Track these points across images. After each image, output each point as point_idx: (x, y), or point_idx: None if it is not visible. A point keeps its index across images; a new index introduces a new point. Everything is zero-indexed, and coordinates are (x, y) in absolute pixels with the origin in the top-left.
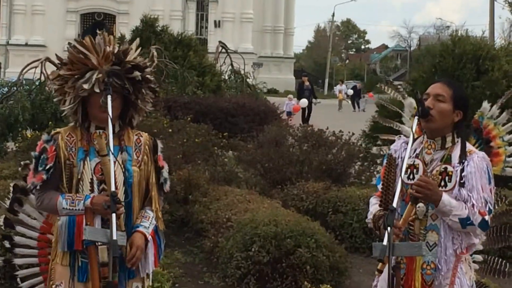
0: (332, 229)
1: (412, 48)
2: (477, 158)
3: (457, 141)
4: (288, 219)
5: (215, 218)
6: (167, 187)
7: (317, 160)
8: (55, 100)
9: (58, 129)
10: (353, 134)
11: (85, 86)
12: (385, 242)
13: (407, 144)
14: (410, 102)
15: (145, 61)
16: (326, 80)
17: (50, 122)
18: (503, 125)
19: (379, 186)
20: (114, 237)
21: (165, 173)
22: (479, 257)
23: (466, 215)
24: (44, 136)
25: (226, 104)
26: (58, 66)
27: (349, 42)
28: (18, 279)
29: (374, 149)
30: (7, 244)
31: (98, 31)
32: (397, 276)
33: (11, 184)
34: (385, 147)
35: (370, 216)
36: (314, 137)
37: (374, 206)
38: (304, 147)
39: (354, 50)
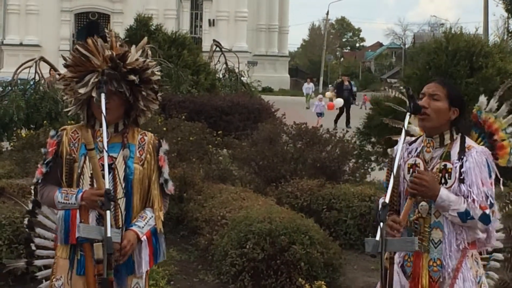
0: (327, 226)
1: (406, 46)
2: (476, 153)
3: (456, 138)
4: (283, 216)
5: (209, 215)
6: (169, 188)
7: (311, 158)
8: (65, 98)
9: (66, 126)
10: (347, 131)
11: (81, 91)
12: (377, 237)
13: (409, 145)
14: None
15: (145, 63)
16: (321, 78)
17: (44, 121)
18: (504, 117)
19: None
20: (109, 234)
21: (165, 173)
22: (499, 256)
23: (465, 209)
24: (51, 132)
25: (221, 103)
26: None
27: (344, 40)
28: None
29: (389, 150)
30: (32, 246)
31: (106, 30)
32: (390, 271)
33: (32, 187)
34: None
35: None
36: (308, 134)
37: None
38: (298, 145)
39: (348, 48)
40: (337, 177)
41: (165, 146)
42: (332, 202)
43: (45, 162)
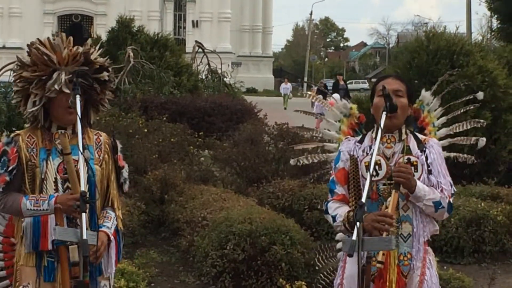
0: (308, 226)
1: (390, 45)
2: (435, 144)
3: (409, 132)
4: (263, 216)
5: (190, 217)
6: (126, 188)
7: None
8: (13, 102)
9: (18, 131)
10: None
11: (56, 87)
12: (354, 237)
13: (360, 143)
14: (344, 103)
15: (106, 61)
16: (305, 79)
17: (26, 124)
18: (435, 111)
19: (337, 190)
20: (85, 237)
21: (125, 173)
22: None
23: (439, 198)
24: (4, 139)
25: (203, 104)
26: (17, 67)
27: (328, 40)
28: None
29: (292, 161)
30: None
31: (53, 33)
32: (367, 272)
33: None
34: (302, 157)
35: (339, 219)
36: (289, 135)
37: (339, 209)
38: (279, 145)
39: (333, 48)
40: (318, 177)
41: (119, 145)
42: (313, 202)
43: (8, 170)
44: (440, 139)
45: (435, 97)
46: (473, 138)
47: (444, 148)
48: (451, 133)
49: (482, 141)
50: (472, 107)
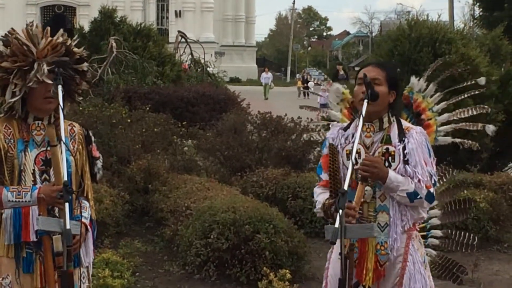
0: (292, 215)
1: (373, 34)
2: (416, 133)
3: (393, 121)
4: (247, 205)
5: (174, 206)
6: (98, 177)
7: (276, 147)
8: None
9: None
10: (311, 120)
11: (38, 77)
12: (337, 224)
13: (344, 130)
14: (337, 88)
15: (84, 51)
16: (289, 68)
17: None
18: (431, 97)
19: (322, 176)
20: (68, 226)
21: (99, 163)
22: (438, 232)
23: (413, 189)
24: None
25: (186, 94)
26: None
27: (311, 29)
28: None
29: (305, 136)
30: None
31: (27, 22)
32: (351, 258)
33: None
34: (315, 133)
35: (318, 205)
36: (273, 124)
37: (321, 195)
38: (263, 134)
39: (316, 37)
40: (302, 165)
41: (92, 135)
42: (297, 190)
43: None
44: (442, 124)
45: (429, 83)
46: (480, 124)
47: (448, 134)
48: (455, 119)
49: (488, 128)
50: (477, 92)
